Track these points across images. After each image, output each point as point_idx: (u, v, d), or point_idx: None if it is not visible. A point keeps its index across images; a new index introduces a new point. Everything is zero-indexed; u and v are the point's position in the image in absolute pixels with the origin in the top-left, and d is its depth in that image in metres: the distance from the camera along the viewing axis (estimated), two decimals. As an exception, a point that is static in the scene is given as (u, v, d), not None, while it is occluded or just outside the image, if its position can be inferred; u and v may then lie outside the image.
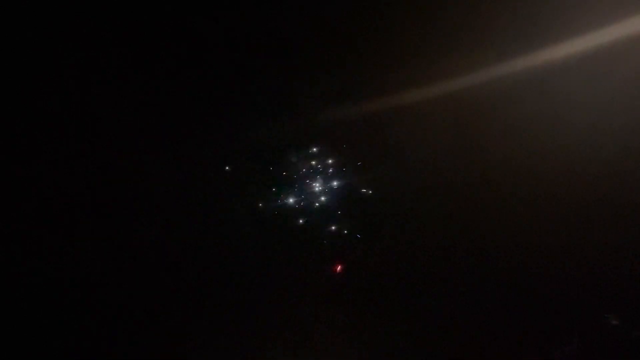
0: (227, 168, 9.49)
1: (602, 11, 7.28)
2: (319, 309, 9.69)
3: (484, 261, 10.70)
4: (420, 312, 10.39)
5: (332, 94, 10.27)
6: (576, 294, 9.90)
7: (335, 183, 10.73)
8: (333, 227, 10.55)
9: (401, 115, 10.01)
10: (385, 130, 10.27)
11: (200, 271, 9.25)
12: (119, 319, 8.62)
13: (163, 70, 8.91)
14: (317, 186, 10.44)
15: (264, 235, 9.93)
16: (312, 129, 9.63)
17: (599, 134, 9.39)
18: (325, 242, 10.17)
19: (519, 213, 10.52)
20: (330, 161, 10.56)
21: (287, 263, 9.74)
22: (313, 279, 9.96)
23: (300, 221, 10.39)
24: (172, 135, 8.91)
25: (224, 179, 9.46)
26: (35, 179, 8.84)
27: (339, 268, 9.84)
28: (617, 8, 7.39)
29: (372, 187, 10.99)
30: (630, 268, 9.66)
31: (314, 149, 10.26)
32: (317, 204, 10.70)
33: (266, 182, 10.13)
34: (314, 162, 10.38)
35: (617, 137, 9.30)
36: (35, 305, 8.83)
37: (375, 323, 10.33)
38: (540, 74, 8.42)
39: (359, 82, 10.31)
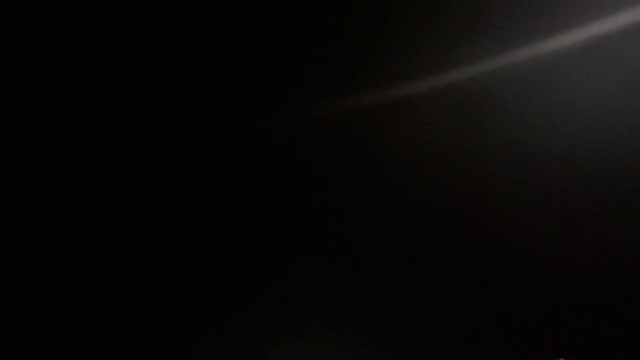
0: None
1: (604, 5, 7.24)
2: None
3: (484, 260, 10.70)
4: (420, 311, 10.42)
5: (329, 88, 10.29)
6: (578, 292, 9.92)
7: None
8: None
9: (399, 110, 10.01)
10: (383, 125, 10.27)
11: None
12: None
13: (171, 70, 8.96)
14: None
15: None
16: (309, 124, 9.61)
17: (606, 126, 9.35)
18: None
19: (522, 209, 10.50)
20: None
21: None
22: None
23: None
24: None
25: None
26: (35, 179, 8.91)
27: None
28: (623, 3, 7.33)
29: (370, 185, 11.03)
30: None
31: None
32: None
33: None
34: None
35: (623, 131, 9.26)
36: (34, 306, 8.89)
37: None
38: (544, 65, 8.38)
39: (355, 76, 10.29)
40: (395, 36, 9.28)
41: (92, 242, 9.39)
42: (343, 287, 10.44)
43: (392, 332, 10.15)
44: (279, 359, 9.53)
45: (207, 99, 9.64)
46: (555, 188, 9.81)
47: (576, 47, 7.72)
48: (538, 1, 7.88)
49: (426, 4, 8.58)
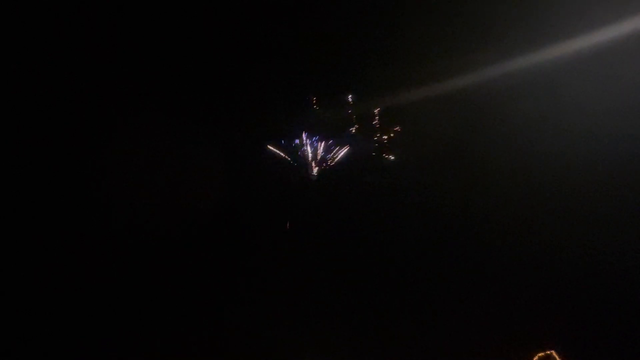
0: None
1: (608, 11, 7.23)
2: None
3: (482, 260, 10.81)
4: (419, 310, 10.52)
5: (340, 92, 10.37)
6: (572, 293, 10.05)
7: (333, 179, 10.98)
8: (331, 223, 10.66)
9: (404, 113, 10.07)
10: (389, 127, 10.36)
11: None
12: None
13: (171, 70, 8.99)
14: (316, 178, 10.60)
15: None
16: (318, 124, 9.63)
17: (602, 134, 9.44)
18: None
19: (519, 213, 10.61)
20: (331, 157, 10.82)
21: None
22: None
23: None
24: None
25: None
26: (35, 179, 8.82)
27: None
28: (623, 9, 7.30)
29: (373, 184, 11.08)
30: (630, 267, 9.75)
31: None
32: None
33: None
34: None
35: (621, 138, 9.34)
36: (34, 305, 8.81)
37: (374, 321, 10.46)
38: (544, 74, 8.42)
39: (362, 81, 10.38)
40: (404, 43, 9.18)
41: (90, 243, 9.22)
42: (343, 286, 10.27)
43: (392, 329, 10.01)
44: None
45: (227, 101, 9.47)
46: (559, 189, 9.76)
47: (579, 54, 7.74)
48: (541, 12, 7.89)
49: (434, 15, 8.54)
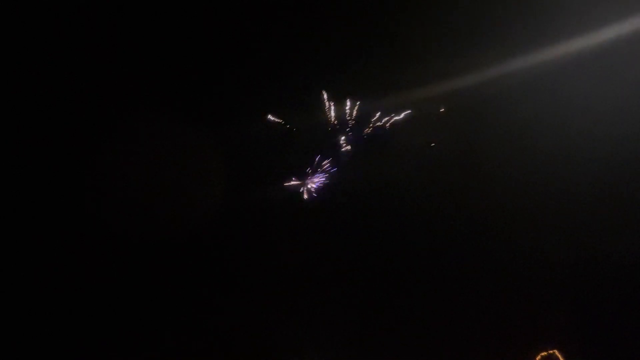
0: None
1: (607, 13, 7.22)
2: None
3: (483, 259, 10.80)
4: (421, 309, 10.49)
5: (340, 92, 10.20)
6: (574, 292, 10.04)
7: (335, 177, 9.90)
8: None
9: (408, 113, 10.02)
10: (392, 127, 10.29)
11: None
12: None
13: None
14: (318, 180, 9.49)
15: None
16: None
17: (602, 134, 9.42)
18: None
19: (521, 212, 10.57)
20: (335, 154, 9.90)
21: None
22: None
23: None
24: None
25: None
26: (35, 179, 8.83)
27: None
28: (624, 10, 7.28)
29: (375, 183, 10.93)
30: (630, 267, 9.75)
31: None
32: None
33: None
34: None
35: (621, 138, 9.32)
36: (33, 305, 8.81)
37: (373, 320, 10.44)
38: (545, 74, 8.38)
39: (365, 82, 10.32)
40: (406, 44, 9.17)
41: (90, 242, 9.22)
42: (344, 286, 10.24)
43: (392, 328, 9.99)
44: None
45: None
46: (559, 189, 9.72)
47: (580, 54, 7.70)
48: (542, 12, 7.87)
49: (434, 15, 8.54)
